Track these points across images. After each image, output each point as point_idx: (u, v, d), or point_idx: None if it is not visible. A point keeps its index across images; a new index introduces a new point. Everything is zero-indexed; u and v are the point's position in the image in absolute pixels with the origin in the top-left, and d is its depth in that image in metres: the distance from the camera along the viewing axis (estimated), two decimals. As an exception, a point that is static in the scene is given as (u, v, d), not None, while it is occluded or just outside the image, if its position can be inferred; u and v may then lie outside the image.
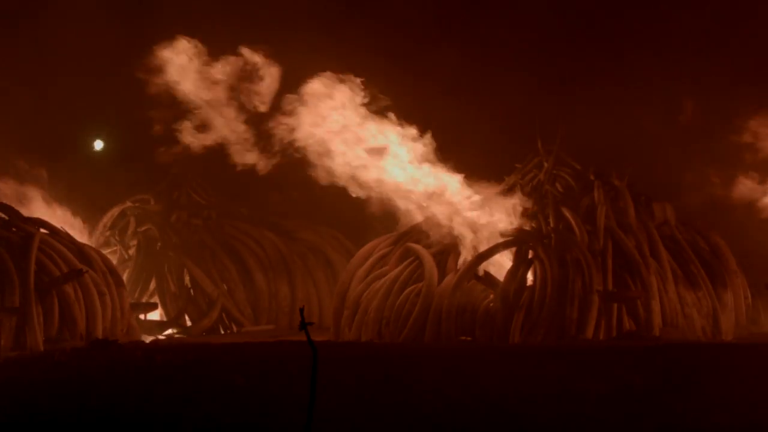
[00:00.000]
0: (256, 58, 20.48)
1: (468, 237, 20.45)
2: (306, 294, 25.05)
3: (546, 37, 24.57)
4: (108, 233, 25.23)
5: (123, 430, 11.71)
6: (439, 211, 20.44)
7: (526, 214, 20.68)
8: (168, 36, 20.63)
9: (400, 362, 15.89)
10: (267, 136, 20.43)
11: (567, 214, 20.43)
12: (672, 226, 21.32)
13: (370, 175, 20.22)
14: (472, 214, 20.57)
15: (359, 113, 20.21)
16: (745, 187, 21.81)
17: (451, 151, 20.65)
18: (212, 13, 24.03)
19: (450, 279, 19.98)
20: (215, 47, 20.75)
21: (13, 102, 24.30)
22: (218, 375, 14.82)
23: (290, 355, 16.33)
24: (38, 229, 20.61)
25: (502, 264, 20.33)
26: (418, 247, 20.65)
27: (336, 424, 11.72)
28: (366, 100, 20.22)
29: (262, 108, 20.51)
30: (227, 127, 20.72)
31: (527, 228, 20.40)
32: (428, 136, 20.38)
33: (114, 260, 23.42)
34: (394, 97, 20.54)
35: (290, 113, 20.13)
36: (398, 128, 20.38)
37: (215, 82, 20.68)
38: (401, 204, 20.50)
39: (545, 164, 21.84)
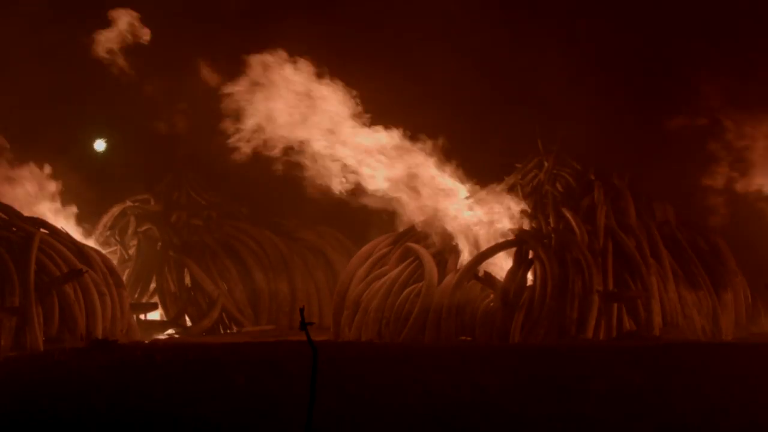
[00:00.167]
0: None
1: (468, 237, 20.46)
2: (306, 294, 25.05)
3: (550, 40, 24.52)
4: (108, 233, 25.25)
5: (123, 430, 11.71)
6: (439, 211, 20.46)
7: (526, 214, 20.69)
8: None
9: (400, 362, 15.90)
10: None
11: (567, 214, 20.43)
12: (672, 226, 21.32)
13: (370, 176, 20.25)
14: (472, 214, 20.59)
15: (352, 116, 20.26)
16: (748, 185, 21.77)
17: (451, 151, 20.67)
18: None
19: (450, 279, 19.97)
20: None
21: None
22: (218, 375, 14.82)
23: (290, 355, 16.35)
24: (38, 229, 20.63)
25: (502, 264, 20.34)
26: (418, 247, 20.65)
27: (336, 424, 11.71)
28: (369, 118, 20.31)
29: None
30: None
31: (527, 228, 20.40)
32: (427, 137, 20.42)
33: (114, 260, 23.42)
34: (394, 97, 20.55)
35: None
36: (398, 129, 20.43)
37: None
38: (401, 204, 20.53)
39: (546, 164, 21.85)
